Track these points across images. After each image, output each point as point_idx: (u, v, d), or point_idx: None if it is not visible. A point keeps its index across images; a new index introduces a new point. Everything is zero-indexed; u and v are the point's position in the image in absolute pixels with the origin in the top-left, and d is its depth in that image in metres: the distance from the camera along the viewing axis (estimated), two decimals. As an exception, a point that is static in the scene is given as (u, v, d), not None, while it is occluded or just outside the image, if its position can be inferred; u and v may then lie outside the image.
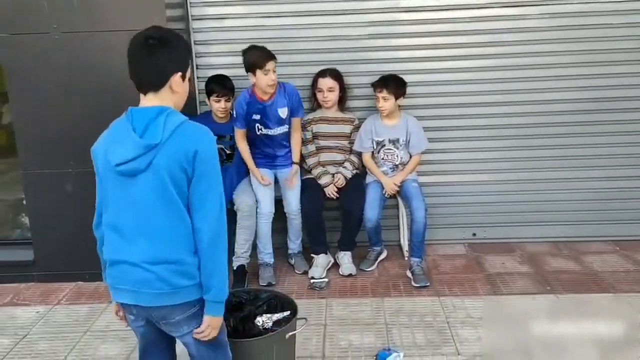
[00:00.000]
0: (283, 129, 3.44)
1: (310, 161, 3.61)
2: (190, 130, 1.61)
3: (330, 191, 3.55)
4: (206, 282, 1.64)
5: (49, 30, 3.20)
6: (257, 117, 3.37)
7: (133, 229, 1.62)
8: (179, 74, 1.64)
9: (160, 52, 1.60)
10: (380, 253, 3.68)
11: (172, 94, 1.64)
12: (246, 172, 3.53)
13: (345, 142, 3.67)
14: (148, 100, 1.64)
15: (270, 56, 3.21)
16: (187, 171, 1.58)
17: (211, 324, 1.68)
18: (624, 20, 3.62)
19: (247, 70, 3.23)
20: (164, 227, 1.60)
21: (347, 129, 3.67)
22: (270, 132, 3.44)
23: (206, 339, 1.69)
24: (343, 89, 3.63)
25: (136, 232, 1.62)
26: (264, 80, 3.21)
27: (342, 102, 3.67)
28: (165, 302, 1.63)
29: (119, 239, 1.64)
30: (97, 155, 1.66)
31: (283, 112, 3.39)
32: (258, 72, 3.19)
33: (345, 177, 3.59)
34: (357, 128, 3.67)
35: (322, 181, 3.56)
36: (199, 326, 1.68)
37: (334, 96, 3.59)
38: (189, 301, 1.65)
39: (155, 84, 1.62)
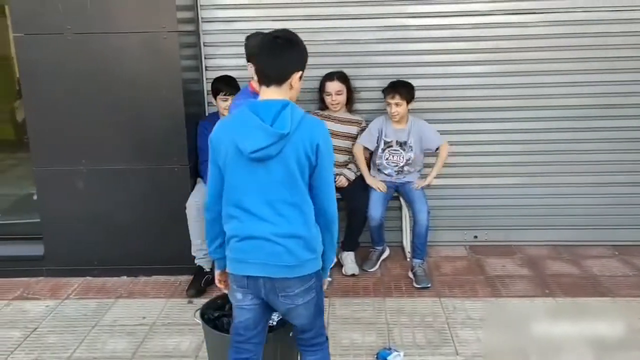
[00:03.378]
0: None
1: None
2: (312, 123, 1.82)
3: (333, 193, 3.60)
4: (327, 250, 1.91)
5: (63, 31, 3.28)
6: None
7: (263, 207, 1.80)
8: (300, 72, 1.84)
9: (287, 52, 1.82)
10: (382, 252, 3.74)
11: (290, 90, 1.84)
12: None
13: (350, 144, 3.72)
14: (270, 93, 1.82)
15: None
16: (310, 159, 1.79)
17: (325, 282, 2.01)
18: (623, 29, 3.67)
19: (250, 59, 2.72)
20: (290, 206, 1.80)
21: (353, 129, 3.72)
22: None
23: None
24: (350, 90, 3.69)
25: (266, 210, 1.80)
26: None
27: (349, 103, 3.73)
28: (292, 274, 1.82)
29: (248, 217, 1.82)
30: (220, 143, 1.82)
31: None
32: None
33: (348, 179, 3.64)
34: (363, 130, 3.71)
35: None
36: (311, 298, 1.88)
37: (342, 99, 3.65)
38: (309, 274, 1.86)
39: (280, 79, 1.82)
